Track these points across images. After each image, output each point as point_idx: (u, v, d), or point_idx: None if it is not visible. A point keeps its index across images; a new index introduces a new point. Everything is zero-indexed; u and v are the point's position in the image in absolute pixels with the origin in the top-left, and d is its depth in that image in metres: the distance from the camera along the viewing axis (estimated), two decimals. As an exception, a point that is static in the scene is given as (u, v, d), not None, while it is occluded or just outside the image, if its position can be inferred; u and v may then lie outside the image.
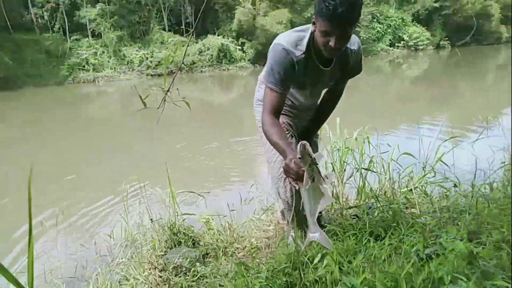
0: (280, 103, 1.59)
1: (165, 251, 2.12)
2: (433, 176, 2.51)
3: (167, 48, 18.80)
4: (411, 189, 2.35)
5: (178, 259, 1.95)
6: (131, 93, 14.58)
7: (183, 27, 19.52)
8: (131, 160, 5.30)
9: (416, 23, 26.49)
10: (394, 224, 1.65)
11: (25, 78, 15.65)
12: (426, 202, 2.20)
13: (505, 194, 2.01)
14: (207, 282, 1.73)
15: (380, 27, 24.95)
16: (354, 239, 1.49)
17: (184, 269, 1.91)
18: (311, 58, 1.56)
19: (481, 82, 12.59)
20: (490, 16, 27.29)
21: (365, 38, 23.01)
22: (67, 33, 17.98)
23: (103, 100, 13.37)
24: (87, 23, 18.17)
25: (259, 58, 19.14)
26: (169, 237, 2.21)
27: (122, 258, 2.21)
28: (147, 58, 17.92)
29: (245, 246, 2.17)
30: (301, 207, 1.30)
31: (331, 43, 1.38)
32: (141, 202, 3.24)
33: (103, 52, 17.81)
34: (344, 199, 2.39)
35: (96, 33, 18.39)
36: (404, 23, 25.80)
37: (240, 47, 19.69)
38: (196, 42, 19.44)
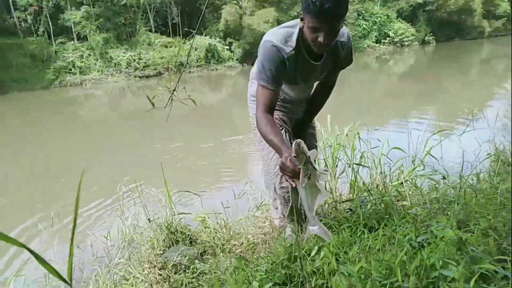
0: (273, 100, 1.58)
1: (163, 250, 2.15)
2: (423, 169, 2.58)
3: (154, 49, 18.68)
4: (402, 182, 2.42)
5: (177, 257, 1.97)
6: (119, 95, 14.48)
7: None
8: (124, 161, 5.28)
9: (401, 20, 26.84)
10: (387, 216, 1.71)
11: (10, 82, 15.36)
12: (416, 194, 2.27)
13: (491, 184, 2.09)
14: (206, 278, 1.76)
15: (366, 24, 25.19)
16: (349, 231, 1.54)
17: (183, 266, 1.94)
18: (301, 54, 1.56)
19: (465, 76, 12.85)
20: (472, 11, 27.80)
21: (351, 35, 23.16)
22: (52, 36, 17.68)
23: (91, 103, 13.21)
24: (72, 26, 17.90)
25: (247, 57, 19.16)
26: (166, 236, 2.23)
27: (120, 259, 2.23)
28: (134, 60, 17.76)
29: (242, 243, 2.21)
30: (299, 204, 1.34)
31: (320, 39, 1.38)
32: (136, 203, 3.25)
33: (90, 54, 17.57)
34: (337, 194, 2.45)
35: (81, 36, 18.12)
36: (389, 20, 26.10)
37: (227, 47, 19.68)
38: (184, 43, 19.37)
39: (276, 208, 2.23)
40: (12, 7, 17.48)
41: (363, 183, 2.43)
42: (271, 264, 1.36)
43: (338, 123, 3.05)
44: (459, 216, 1.49)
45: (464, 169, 2.32)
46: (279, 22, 18.49)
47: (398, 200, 2.23)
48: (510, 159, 2.69)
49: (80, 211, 3.57)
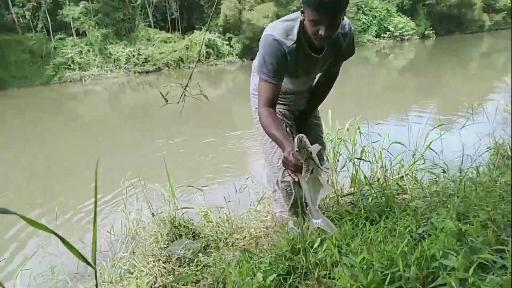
0: (275, 94, 1.58)
1: (167, 244, 2.18)
2: (423, 163, 2.61)
3: (153, 45, 18.63)
4: (403, 176, 2.44)
5: (181, 250, 2.00)
6: (119, 91, 14.47)
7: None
8: (125, 159, 5.30)
9: (400, 14, 26.72)
10: (388, 209, 1.73)
11: (9, 79, 15.35)
12: (417, 187, 2.29)
13: (491, 177, 2.11)
14: (210, 271, 1.79)
15: (365, 19, 25.10)
16: (351, 224, 1.57)
17: (187, 260, 1.97)
18: (302, 47, 1.55)
19: (465, 70, 12.84)
20: (472, 5, 27.68)
21: (351, 28, 23.10)
22: (51, 32, 17.63)
23: (91, 100, 13.20)
24: (71, 22, 17.85)
25: (247, 52, 19.11)
26: (170, 230, 2.26)
27: (124, 253, 2.26)
28: (133, 56, 17.72)
29: (245, 236, 2.24)
30: (302, 198, 1.36)
31: (321, 32, 1.37)
32: (139, 199, 3.29)
33: (89, 50, 17.53)
34: (339, 188, 2.47)
35: (80, 32, 18.07)
36: (389, 14, 25.99)
37: (227, 42, 19.62)
38: (183, 38, 19.31)
39: (275, 200, 2.25)
40: (10, 3, 17.41)
41: (364, 177, 2.46)
42: (275, 256, 1.39)
43: (338, 117, 3.07)
44: (459, 209, 1.51)
45: (464, 163, 2.35)
46: (278, 17, 18.20)
47: (398, 194, 2.25)
48: (510, 153, 2.72)
49: (80, 206, 3.61)
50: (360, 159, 2.59)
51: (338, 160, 2.74)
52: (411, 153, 2.72)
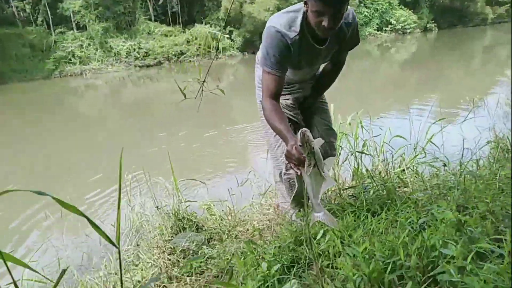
0: (279, 86, 1.57)
1: (171, 236, 2.22)
2: (424, 157, 2.63)
3: (154, 38, 18.57)
4: (404, 170, 2.47)
5: (185, 242, 2.04)
6: (120, 85, 14.48)
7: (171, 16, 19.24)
8: (127, 152, 5.31)
9: (402, 7, 26.53)
10: (389, 201, 1.76)
11: (10, 73, 15.36)
12: (418, 181, 2.32)
13: (490, 170, 2.14)
14: (215, 262, 1.82)
15: (367, 12, 24.94)
16: (353, 216, 1.60)
17: (191, 252, 2.01)
18: (305, 38, 1.54)
19: (468, 63, 12.80)
20: (475, -3, 27.51)
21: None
22: (51, 26, 17.59)
23: (92, 95, 13.19)
24: (71, 15, 17.79)
25: (248, 46, 19.04)
26: (174, 223, 2.30)
27: (129, 245, 2.30)
28: (134, 49, 17.69)
29: (248, 229, 2.28)
30: (304, 191, 1.38)
31: (325, 23, 1.36)
32: (142, 192, 3.33)
33: (89, 44, 17.50)
34: (341, 181, 2.50)
35: (81, 25, 18.03)
36: (391, 7, 25.81)
37: (228, 36, 19.54)
38: (184, 32, 19.24)
39: (278, 190, 2.26)
40: (10, -3, 17.37)
41: (366, 170, 2.48)
42: (279, 247, 1.42)
43: (340, 111, 3.09)
44: (458, 201, 1.54)
45: (465, 156, 2.37)
46: (279, 10, 18.16)
47: (400, 187, 2.28)
48: (509, 146, 2.74)
49: (78, 203, 3.63)
50: (361, 152, 2.61)
51: (340, 154, 2.76)
52: (412, 147, 2.75)
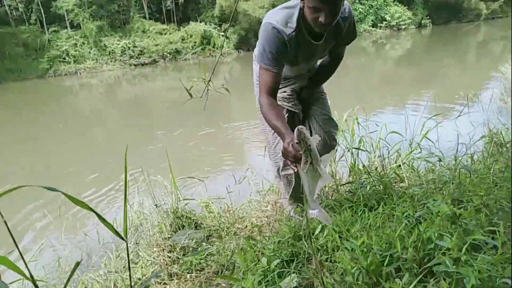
0: (276, 82, 1.57)
1: (170, 234, 2.24)
2: (419, 152, 2.67)
3: (148, 37, 18.48)
4: (400, 165, 2.50)
5: (185, 240, 2.06)
6: (115, 84, 14.41)
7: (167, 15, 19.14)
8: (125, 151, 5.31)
9: (397, 3, 26.59)
10: (386, 196, 1.79)
11: (3, 72, 15.22)
12: (413, 176, 2.35)
13: (484, 165, 2.17)
14: (214, 259, 1.84)
15: (362, 8, 24.97)
16: (350, 211, 1.63)
17: (191, 249, 2.03)
18: (302, 34, 1.54)
19: (462, 59, 12.88)
20: (469, -7, 27.62)
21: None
22: (45, 25, 17.43)
23: (87, 95, 13.11)
24: (65, 14, 17.64)
25: (243, 43, 19.00)
26: (173, 221, 2.31)
27: (128, 244, 2.31)
28: (129, 48, 17.58)
29: (246, 226, 2.30)
30: (301, 188, 1.39)
31: (321, 19, 1.36)
32: (140, 191, 3.34)
33: (83, 43, 17.36)
34: (338, 177, 2.53)
35: (74, 24, 17.89)
36: (385, 3, 25.86)
37: (223, 33, 19.47)
38: (178, 30, 19.16)
39: (278, 185, 2.28)
40: (2, -5, 17.20)
41: (363, 166, 2.51)
42: (278, 243, 1.44)
43: (337, 108, 3.11)
44: (453, 195, 1.57)
45: (459, 151, 2.41)
46: (274, 7, 18.16)
47: (396, 182, 2.31)
48: (503, 140, 2.78)
49: (86, 200, 3.64)
50: (358, 149, 2.64)
51: (336, 150, 2.78)
52: (408, 143, 2.78)
